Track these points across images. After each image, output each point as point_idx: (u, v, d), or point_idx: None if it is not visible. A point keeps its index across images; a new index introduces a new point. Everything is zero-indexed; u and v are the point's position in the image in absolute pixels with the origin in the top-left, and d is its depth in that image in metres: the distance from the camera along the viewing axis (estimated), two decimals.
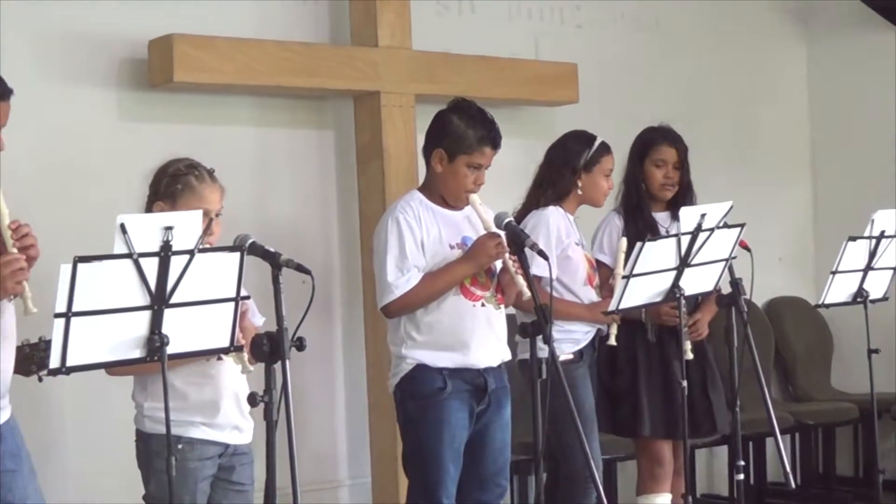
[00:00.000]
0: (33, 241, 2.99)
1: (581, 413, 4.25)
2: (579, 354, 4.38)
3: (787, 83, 6.79)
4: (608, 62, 6.02)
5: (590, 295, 4.42)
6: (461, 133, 3.90)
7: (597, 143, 4.46)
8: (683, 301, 4.04)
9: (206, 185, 3.43)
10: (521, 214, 4.45)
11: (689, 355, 4.47)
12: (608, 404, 4.54)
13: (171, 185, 3.42)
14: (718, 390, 4.58)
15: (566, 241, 4.38)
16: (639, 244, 3.88)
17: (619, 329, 4.42)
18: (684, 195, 4.62)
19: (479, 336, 3.90)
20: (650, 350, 4.54)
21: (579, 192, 4.44)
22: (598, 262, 4.54)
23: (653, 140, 4.65)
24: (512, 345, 4.09)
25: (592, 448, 4.28)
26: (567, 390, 3.56)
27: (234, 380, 3.42)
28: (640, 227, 4.48)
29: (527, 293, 3.73)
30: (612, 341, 4.41)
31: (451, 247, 3.92)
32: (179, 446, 3.32)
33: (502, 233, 3.85)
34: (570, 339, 4.36)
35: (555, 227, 4.36)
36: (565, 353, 4.32)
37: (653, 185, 4.63)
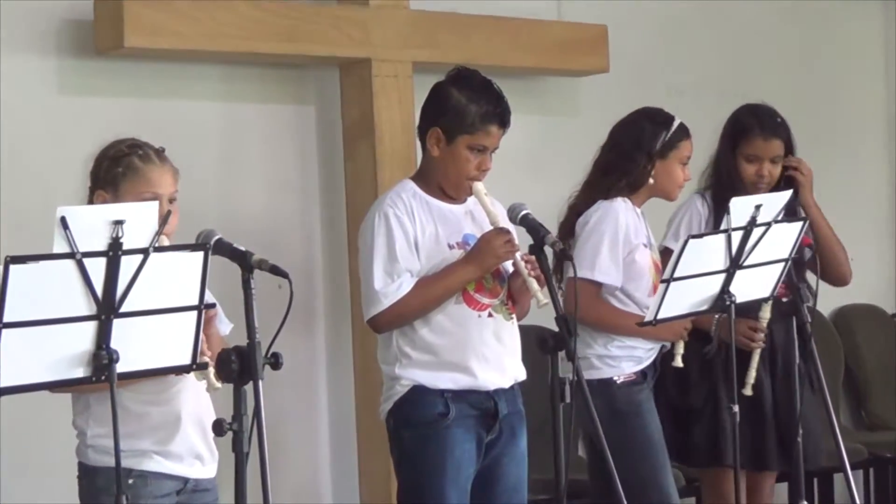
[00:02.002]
0: None
1: (651, 442, 4.32)
2: (642, 375, 4.41)
3: (862, 51, 6.78)
4: (644, 24, 6.02)
5: None
6: (462, 108, 3.90)
7: (675, 125, 4.47)
8: (734, 309, 4.05)
9: (153, 165, 3.44)
10: (579, 206, 4.45)
11: (749, 391, 4.50)
12: (676, 428, 4.56)
13: (112, 169, 3.43)
14: (813, 414, 4.59)
15: (634, 241, 4.40)
16: (681, 241, 3.89)
17: (689, 338, 4.45)
18: (787, 183, 4.62)
19: (486, 352, 3.90)
20: (709, 365, 4.57)
21: (651, 181, 4.45)
22: (665, 250, 4.55)
23: (745, 129, 4.69)
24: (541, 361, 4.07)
25: (668, 483, 4.34)
26: (595, 415, 3.57)
27: (198, 400, 3.43)
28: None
29: (542, 300, 3.74)
30: (678, 362, 4.44)
31: (451, 246, 3.92)
32: (130, 481, 3.32)
33: (513, 228, 3.86)
34: (631, 356, 4.39)
35: (624, 223, 4.37)
36: (626, 373, 4.36)
37: (744, 180, 4.66)
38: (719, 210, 4.59)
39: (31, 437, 4.45)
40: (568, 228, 4.44)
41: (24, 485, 4.50)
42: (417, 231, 3.90)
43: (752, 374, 4.51)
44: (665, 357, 4.48)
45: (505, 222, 3.91)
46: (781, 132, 4.70)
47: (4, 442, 4.48)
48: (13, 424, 4.41)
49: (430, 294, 3.86)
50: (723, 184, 4.67)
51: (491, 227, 3.89)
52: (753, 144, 4.67)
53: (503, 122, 3.94)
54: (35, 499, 4.46)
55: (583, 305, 4.20)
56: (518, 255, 3.83)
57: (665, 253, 4.52)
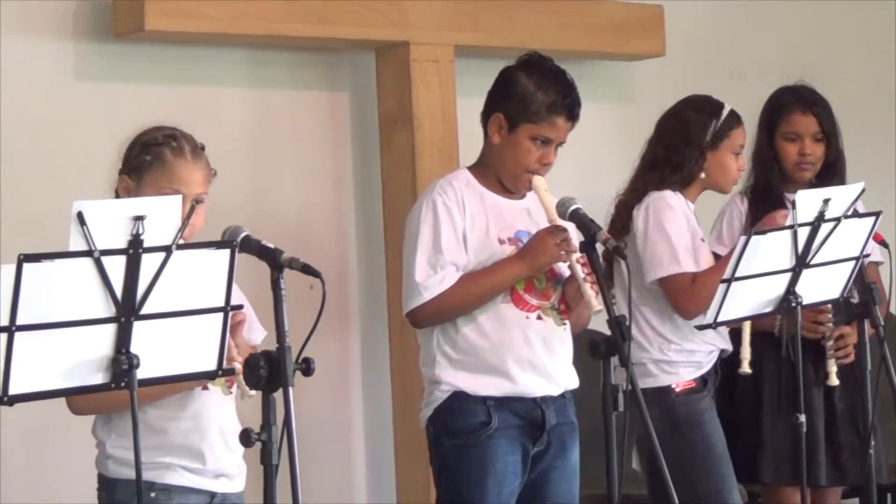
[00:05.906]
0: None
1: (714, 455, 4.33)
2: (702, 381, 4.42)
3: None
4: (702, 3, 6.00)
5: None
6: (528, 95, 3.90)
7: (725, 112, 4.49)
8: (800, 311, 4.03)
9: (184, 161, 3.43)
10: (629, 201, 4.47)
11: (834, 381, 4.52)
12: (734, 440, 4.54)
13: (140, 156, 3.44)
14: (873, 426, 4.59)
15: (697, 229, 4.44)
16: (742, 238, 3.88)
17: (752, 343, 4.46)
18: (831, 173, 4.65)
19: (530, 356, 3.90)
20: (781, 369, 4.57)
21: (702, 175, 4.47)
22: (713, 255, 4.56)
23: (782, 106, 4.73)
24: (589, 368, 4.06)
25: (734, 499, 4.36)
26: (650, 426, 3.56)
27: (222, 411, 3.45)
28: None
29: (596, 306, 3.70)
30: (746, 368, 4.45)
31: (501, 241, 3.92)
32: (152, 494, 3.34)
33: (570, 226, 3.84)
34: (690, 362, 4.41)
35: (681, 210, 4.40)
36: (685, 380, 4.37)
37: (786, 164, 4.69)
38: (754, 209, 4.60)
39: (48, 445, 4.47)
40: (620, 225, 4.44)
41: (39, 496, 4.52)
42: (467, 223, 3.91)
43: (830, 364, 4.52)
44: (731, 364, 4.46)
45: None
46: (818, 109, 4.71)
47: (18, 450, 4.51)
48: (27, 431, 4.44)
49: (474, 290, 3.86)
50: (759, 179, 4.72)
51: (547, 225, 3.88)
52: (792, 121, 4.71)
53: (571, 115, 3.93)
54: None
55: (692, 301, 4.18)
56: (575, 257, 3.80)
57: None
